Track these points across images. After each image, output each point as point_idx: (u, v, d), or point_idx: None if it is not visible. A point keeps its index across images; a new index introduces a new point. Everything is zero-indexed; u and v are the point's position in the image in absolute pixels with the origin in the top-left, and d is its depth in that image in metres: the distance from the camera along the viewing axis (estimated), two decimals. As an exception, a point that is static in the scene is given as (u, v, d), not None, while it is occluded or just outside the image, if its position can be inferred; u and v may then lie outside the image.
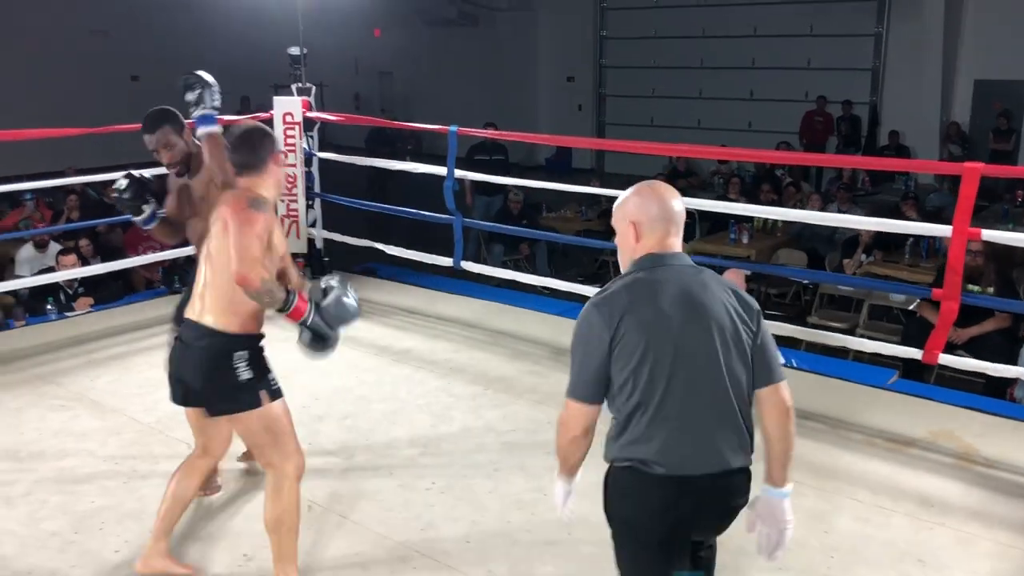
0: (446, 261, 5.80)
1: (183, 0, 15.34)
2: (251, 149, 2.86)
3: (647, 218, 2.19)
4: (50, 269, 6.40)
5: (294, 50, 6.50)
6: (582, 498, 2.35)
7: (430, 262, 5.91)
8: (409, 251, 5.97)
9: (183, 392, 2.90)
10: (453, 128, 5.43)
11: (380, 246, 6.08)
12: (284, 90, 6.56)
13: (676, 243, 2.21)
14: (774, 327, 4.74)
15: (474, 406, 4.42)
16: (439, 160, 5.77)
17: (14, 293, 6.17)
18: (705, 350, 2.09)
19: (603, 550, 2.32)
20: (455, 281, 6.65)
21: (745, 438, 2.14)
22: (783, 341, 4.93)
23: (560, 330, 5.45)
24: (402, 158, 9.62)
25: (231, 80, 16.27)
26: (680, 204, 2.22)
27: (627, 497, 2.14)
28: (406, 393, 4.60)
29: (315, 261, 6.62)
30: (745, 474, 2.15)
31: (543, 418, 4.25)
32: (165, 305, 5.91)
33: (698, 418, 2.08)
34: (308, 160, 6.35)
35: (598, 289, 2.24)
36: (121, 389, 4.63)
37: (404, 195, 7.03)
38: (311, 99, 6.42)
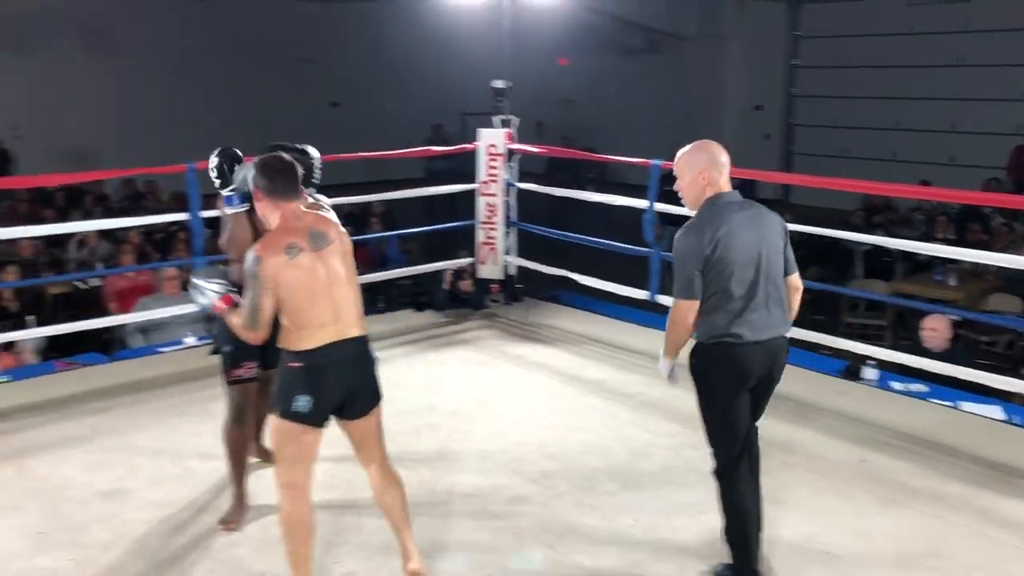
0: (641, 294, 5.79)
1: (383, 31, 16.20)
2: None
3: (715, 168, 3.08)
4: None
5: (498, 83, 6.71)
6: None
7: (624, 294, 5.92)
8: (603, 282, 6.00)
9: (361, 404, 3.05)
10: (656, 162, 5.43)
11: (574, 276, 6.14)
12: (473, 118, 6.79)
13: (728, 184, 3.10)
14: (984, 377, 4.49)
15: (673, 444, 4.37)
16: (622, 188, 5.80)
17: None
18: (766, 254, 3.03)
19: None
20: (638, 312, 6.62)
21: (786, 312, 3.14)
22: (995, 393, 4.64)
23: (758, 370, 5.32)
24: (583, 186, 9.72)
25: (425, 108, 16.99)
26: (727, 156, 3.13)
27: (720, 363, 3.06)
28: (599, 425, 4.61)
29: (508, 287, 6.78)
30: (787, 336, 3.16)
31: (745, 461, 4.15)
32: (378, 323, 6.27)
33: (766, 302, 3.04)
34: (507, 189, 6.52)
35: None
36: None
37: (585, 224, 7.09)
38: (514, 130, 6.59)
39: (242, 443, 3.65)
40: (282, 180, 2.95)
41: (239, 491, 3.65)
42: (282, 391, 2.92)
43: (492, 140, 6.40)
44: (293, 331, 2.90)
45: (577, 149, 5.96)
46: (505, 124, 6.59)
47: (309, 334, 2.88)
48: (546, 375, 5.34)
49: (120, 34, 14.48)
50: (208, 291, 3.06)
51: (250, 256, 2.88)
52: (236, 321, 2.97)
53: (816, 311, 8.44)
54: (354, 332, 2.97)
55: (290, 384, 2.91)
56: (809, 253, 8.85)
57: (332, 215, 3.12)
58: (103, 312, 6.82)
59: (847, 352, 5.28)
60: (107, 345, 6.58)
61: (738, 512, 3.15)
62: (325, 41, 16.17)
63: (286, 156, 3.07)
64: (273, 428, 3.00)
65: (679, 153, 3.15)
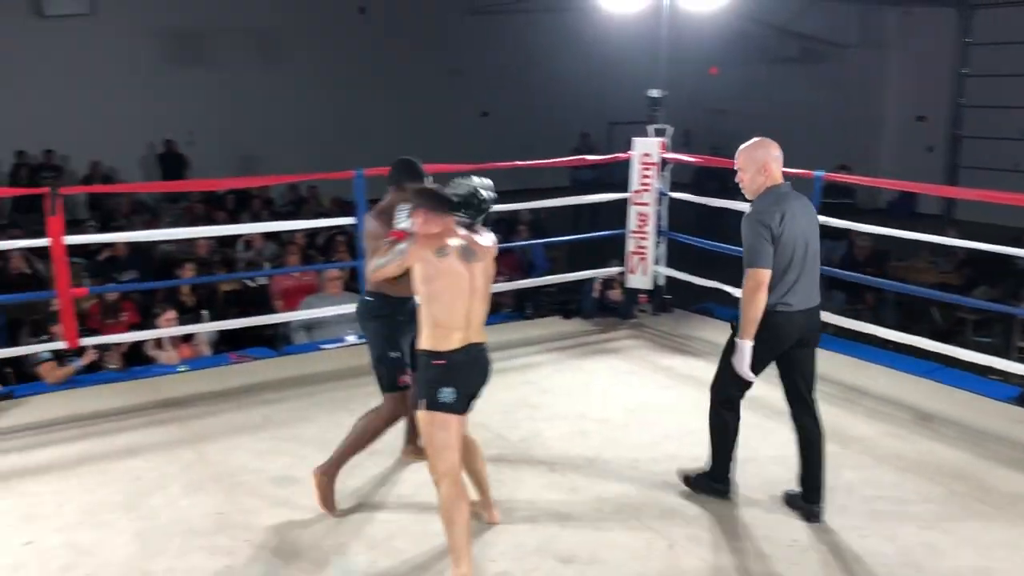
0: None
1: (531, 42, 16.42)
2: None
3: (774, 162, 3.63)
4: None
5: (654, 92, 6.69)
6: None
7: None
8: (758, 295, 5.87)
9: (475, 399, 3.34)
10: (819, 173, 5.29)
11: (727, 288, 6.04)
12: (619, 127, 6.79)
13: (782, 176, 3.66)
14: None
15: (833, 465, 4.19)
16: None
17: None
18: (813, 237, 3.66)
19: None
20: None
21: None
22: None
23: (922, 393, 5.11)
24: (732, 197, 9.52)
25: (572, 117, 17.10)
26: (780, 152, 3.66)
27: (768, 327, 3.59)
28: (758, 442, 4.51)
29: (657, 297, 6.74)
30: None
31: (910, 487, 3.99)
32: (525, 328, 6.38)
33: (811, 277, 3.65)
34: (660, 199, 6.49)
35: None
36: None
37: (733, 236, 6.94)
38: (667, 140, 6.56)
39: (373, 438, 3.82)
40: (438, 202, 3.26)
41: (336, 471, 3.79)
42: (428, 385, 3.20)
43: (646, 149, 6.38)
44: (431, 332, 3.19)
45: (730, 159, 5.85)
46: (659, 133, 6.56)
47: (445, 335, 3.18)
48: (697, 388, 5.25)
49: (287, 46, 15.29)
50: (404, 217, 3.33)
51: (405, 242, 3.25)
52: (381, 260, 3.31)
53: (985, 333, 8.00)
54: (479, 339, 3.27)
55: (435, 379, 3.19)
56: (977, 272, 8.38)
57: (489, 242, 3.34)
58: (270, 309, 7.22)
59: (1020, 377, 4.99)
60: (272, 340, 6.97)
61: (724, 432, 3.90)
62: (476, 52, 16.54)
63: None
64: (422, 421, 3.24)
65: (741, 148, 3.68)
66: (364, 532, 3.64)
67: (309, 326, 6.86)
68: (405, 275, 3.28)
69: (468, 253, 3.21)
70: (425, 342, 3.21)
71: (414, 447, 4.22)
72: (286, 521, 3.73)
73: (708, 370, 5.47)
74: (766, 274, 3.52)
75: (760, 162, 3.59)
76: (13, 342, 6.06)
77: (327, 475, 3.77)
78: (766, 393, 4.05)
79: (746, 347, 3.62)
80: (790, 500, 3.85)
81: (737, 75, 16.65)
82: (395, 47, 15.90)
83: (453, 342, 3.18)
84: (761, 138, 3.66)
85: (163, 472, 4.18)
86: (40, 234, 4.98)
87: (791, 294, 3.58)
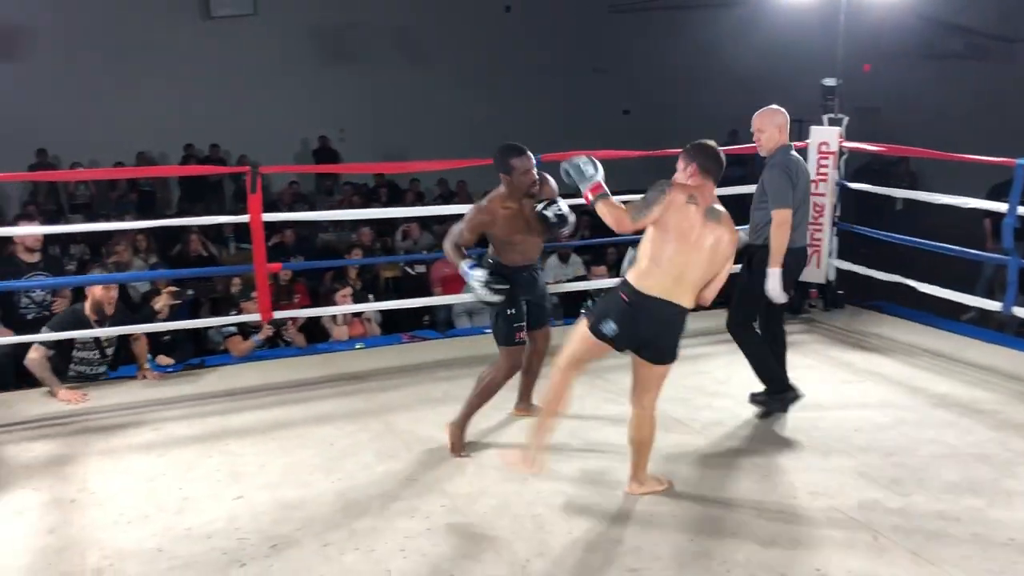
0: (993, 305, 5.35)
1: (672, 38, 16.24)
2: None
3: (787, 125, 4.48)
4: (582, 278, 7.10)
5: (829, 81, 6.50)
6: None
7: (972, 303, 5.50)
8: (945, 290, 5.61)
9: (654, 354, 3.53)
10: (1021, 160, 5.00)
11: (911, 282, 5.78)
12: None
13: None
14: None
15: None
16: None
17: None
18: (808, 189, 4.55)
19: None
20: (973, 327, 6.17)
21: None
22: None
23: None
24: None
25: (719, 114, 16.87)
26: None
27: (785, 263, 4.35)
28: (954, 439, 4.30)
29: (829, 292, 6.52)
30: None
31: None
32: (695, 319, 6.27)
33: (805, 221, 4.57)
34: (836, 190, 6.28)
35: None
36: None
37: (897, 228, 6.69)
38: (843, 130, 6.34)
39: (494, 391, 4.14)
40: (714, 164, 3.48)
41: (466, 423, 4.15)
42: (601, 310, 3.51)
43: (824, 138, 6.18)
44: (640, 267, 3.40)
45: (936, 152, 5.64)
46: (835, 123, 6.36)
47: (654, 280, 3.38)
48: (882, 384, 5.07)
49: (434, 45, 15.65)
50: (588, 171, 3.56)
51: (661, 182, 3.43)
52: (607, 208, 3.45)
53: None
54: (681, 300, 3.42)
55: (610, 309, 3.45)
56: None
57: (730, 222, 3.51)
58: (430, 295, 7.38)
59: None
60: (435, 325, 7.13)
61: (760, 353, 4.53)
62: (619, 49, 16.48)
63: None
64: (578, 329, 3.55)
65: (760, 112, 4.51)
66: (558, 503, 3.66)
67: (471, 311, 6.99)
68: (520, 245, 4.00)
69: (713, 212, 3.40)
70: (631, 274, 3.44)
71: (526, 404, 4.52)
72: (478, 490, 3.78)
73: (892, 367, 5.33)
74: (789, 212, 4.31)
75: (778, 124, 4.46)
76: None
77: (457, 426, 4.14)
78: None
79: (777, 273, 4.35)
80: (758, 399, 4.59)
81: (892, 73, 15.94)
82: (539, 45, 16.03)
83: (654, 288, 3.37)
84: (774, 106, 4.52)
85: (355, 439, 4.33)
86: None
87: (797, 235, 4.44)
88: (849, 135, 6.36)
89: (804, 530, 3.45)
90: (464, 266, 3.94)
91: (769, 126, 4.47)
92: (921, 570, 3.16)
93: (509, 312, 4.05)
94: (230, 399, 4.92)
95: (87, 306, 5.06)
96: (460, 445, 4.13)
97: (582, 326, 3.55)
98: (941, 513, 3.57)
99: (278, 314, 5.40)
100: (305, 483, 3.87)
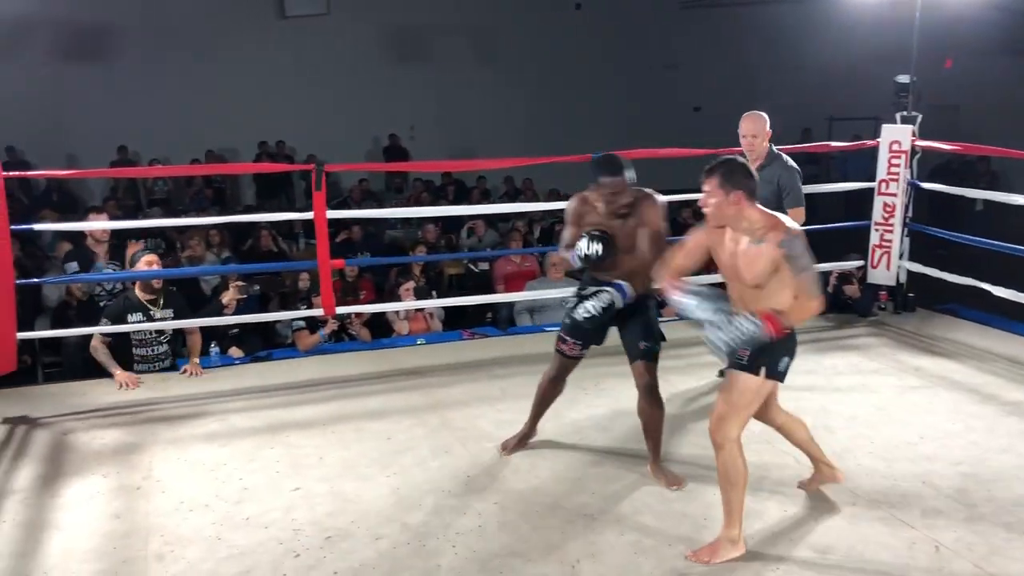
0: (1073, 309, 5.14)
1: (745, 35, 15.97)
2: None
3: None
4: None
5: (903, 78, 6.33)
6: None
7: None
8: (1021, 294, 5.39)
9: None
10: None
11: (984, 285, 5.58)
12: (839, 123, 6.45)
13: None
14: None
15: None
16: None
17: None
18: None
19: None
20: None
21: None
22: None
23: None
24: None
25: (791, 113, 16.55)
26: None
27: None
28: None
29: (899, 294, 6.34)
30: None
31: None
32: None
33: None
34: (907, 190, 6.11)
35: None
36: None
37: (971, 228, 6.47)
38: (916, 128, 6.16)
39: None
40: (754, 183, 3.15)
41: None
42: (774, 353, 3.12)
43: (896, 136, 6.02)
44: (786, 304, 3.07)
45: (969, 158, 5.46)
46: (907, 121, 6.17)
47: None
48: (953, 390, 4.91)
49: (504, 43, 15.70)
50: (746, 326, 3.06)
51: (798, 233, 3.05)
52: (812, 304, 3.09)
53: None
54: None
55: (784, 347, 3.15)
56: None
57: None
58: (493, 292, 7.41)
59: None
60: (497, 322, 7.16)
61: None
62: (691, 46, 16.29)
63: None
64: (750, 387, 3.15)
65: (751, 116, 4.62)
66: (610, 505, 3.64)
67: (532, 309, 6.99)
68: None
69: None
70: (787, 308, 3.09)
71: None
72: (532, 488, 3.79)
73: (964, 372, 5.16)
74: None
75: (769, 128, 4.61)
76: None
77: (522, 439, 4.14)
78: None
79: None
80: None
81: (971, 68, 15.40)
82: (610, 42, 15.95)
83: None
84: (756, 111, 4.65)
85: (412, 434, 4.38)
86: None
87: None
88: (926, 133, 6.17)
89: (863, 538, 3.37)
90: (568, 253, 3.77)
91: (763, 131, 4.59)
92: (984, 584, 3.06)
93: (571, 310, 3.87)
94: (292, 392, 5.03)
95: (137, 287, 5.24)
96: (671, 477, 3.81)
97: (753, 383, 3.16)
98: (1009, 526, 3.45)
99: (340, 309, 5.48)
100: (362, 476, 3.93)
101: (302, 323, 5.96)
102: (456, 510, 3.62)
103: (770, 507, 3.60)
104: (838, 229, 6.54)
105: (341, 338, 6.22)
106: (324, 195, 4.99)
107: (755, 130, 4.59)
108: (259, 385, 5.15)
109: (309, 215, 5.09)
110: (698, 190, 3.20)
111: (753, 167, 3.40)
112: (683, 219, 9.86)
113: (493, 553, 3.29)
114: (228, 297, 5.61)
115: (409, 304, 6.11)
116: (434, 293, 7.15)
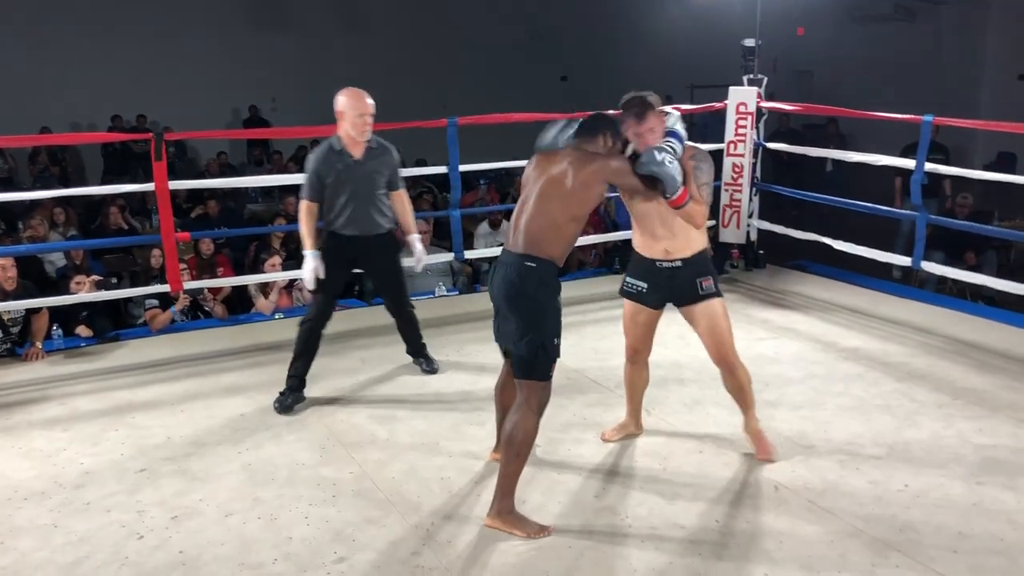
0: (904, 260, 5.46)
1: (612, 5, 16.18)
2: None
3: None
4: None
5: (749, 41, 6.53)
6: None
7: (885, 260, 5.60)
8: (862, 248, 5.70)
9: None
10: (928, 118, 5.08)
11: (828, 241, 5.87)
12: (700, 91, 6.65)
13: None
14: None
15: (942, 415, 4.09)
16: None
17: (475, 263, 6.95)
18: None
19: None
20: (885, 283, 6.30)
21: None
22: None
23: (1038, 346, 4.89)
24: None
25: (655, 80, 16.82)
26: None
27: None
28: (861, 391, 4.40)
29: (750, 252, 6.59)
30: None
31: (1030, 437, 3.83)
32: (608, 283, 6.31)
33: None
34: (755, 150, 6.33)
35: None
36: (580, 353, 4.96)
37: (812, 187, 6.81)
38: (762, 91, 6.38)
39: (532, 440, 3.16)
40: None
41: (512, 497, 3.18)
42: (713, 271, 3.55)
43: (742, 99, 6.22)
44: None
45: (847, 110, 5.68)
46: (754, 84, 6.39)
47: None
48: (797, 340, 5.15)
49: (368, 10, 15.38)
50: (675, 161, 3.19)
51: (706, 153, 3.38)
52: (702, 208, 3.29)
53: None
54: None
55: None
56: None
57: None
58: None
59: None
60: (362, 295, 7.05)
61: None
62: (556, 15, 16.38)
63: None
64: (723, 307, 3.55)
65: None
66: (466, 466, 3.65)
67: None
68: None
69: None
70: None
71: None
72: (389, 456, 3.77)
73: (808, 323, 5.42)
74: None
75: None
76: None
77: (504, 512, 3.16)
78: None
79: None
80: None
81: (826, 35, 16.09)
82: (476, 10, 15.84)
83: None
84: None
85: (266, 410, 4.27)
86: (132, 195, 5.11)
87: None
88: (785, 98, 6.40)
89: (707, 484, 3.50)
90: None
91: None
92: (816, 518, 3.22)
93: (556, 342, 3.14)
94: (141, 372, 4.82)
95: None
96: (529, 524, 3.15)
97: (721, 301, 3.52)
98: (842, 463, 3.65)
99: (189, 284, 5.28)
100: (212, 454, 3.81)
101: (155, 302, 5.72)
102: (310, 482, 3.55)
103: (629, 459, 3.69)
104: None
105: (197, 316, 6.01)
106: (164, 166, 4.77)
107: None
108: (106, 367, 4.92)
109: (148, 186, 4.86)
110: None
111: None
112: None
113: (347, 521, 3.25)
114: (83, 291, 5.31)
115: (258, 278, 5.91)
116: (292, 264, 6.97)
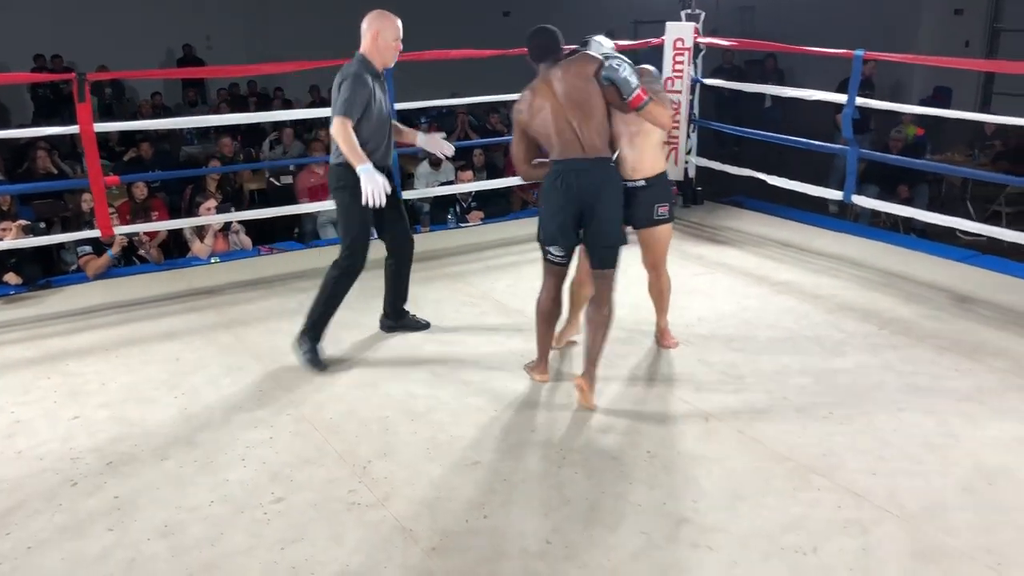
0: (835, 194, 5.56)
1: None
2: None
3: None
4: (450, 183, 7.03)
5: (685, -25, 6.48)
6: None
7: (817, 195, 5.70)
8: (793, 182, 5.79)
9: None
10: (859, 52, 5.13)
11: (762, 176, 5.94)
12: (644, 26, 6.59)
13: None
14: None
15: (869, 344, 4.22)
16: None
17: (414, 204, 6.91)
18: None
19: None
20: (821, 218, 6.42)
21: None
22: None
23: (961, 276, 5.05)
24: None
25: (597, 16, 16.60)
26: None
27: None
28: (792, 323, 4.51)
29: (688, 189, 6.65)
30: None
31: (949, 364, 3.97)
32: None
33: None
34: (692, 87, 6.34)
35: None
36: (519, 292, 4.99)
37: (752, 124, 6.87)
38: (699, 26, 6.37)
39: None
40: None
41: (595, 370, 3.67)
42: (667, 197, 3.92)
43: (679, 34, 6.20)
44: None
45: (788, 46, 5.68)
46: (692, 19, 6.37)
47: None
48: (731, 275, 5.25)
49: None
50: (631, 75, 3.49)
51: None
52: (660, 108, 3.58)
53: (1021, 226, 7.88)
54: None
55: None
56: (1013, 162, 8.18)
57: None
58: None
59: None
60: (300, 237, 6.98)
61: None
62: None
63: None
64: (670, 232, 4.01)
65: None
66: (407, 406, 3.69)
67: (336, 221, 6.84)
68: None
69: None
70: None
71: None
72: (327, 397, 3.78)
73: (743, 258, 5.51)
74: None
75: None
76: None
77: (587, 377, 3.63)
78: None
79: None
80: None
81: (768, -30, 16.06)
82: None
83: None
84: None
85: (203, 354, 4.25)
86: (62, 139, 4.97)
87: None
88: (728, 34, 6.39)
89: (640, 416, 3.58)
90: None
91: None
92: (743, 447, 3.33)
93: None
94: (75, 319, 4.74)
95: None
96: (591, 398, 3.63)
97: (670, 226, 3.95)
98: (769, 392, 3.76)
99: (120, 229, 5.17)
100: (147, 400, 3.79)
101: (88, 248, 5.58)
102: (247, 424, 3.56)
103: (565, 395, 3.76)
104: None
105: (132, 261, 5.89)
106: (89, 107, 4.62)
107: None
108: (37, 315, 4.83)
109: (73, 129, 4.71)
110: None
111: None
112: (491, 125, 9.89)
113: (284, 463, 3.27)
114: (10, 238, 5.16)
115: (194, 221, 5.81)
116: (233, 209, 6.85)
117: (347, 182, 3.92)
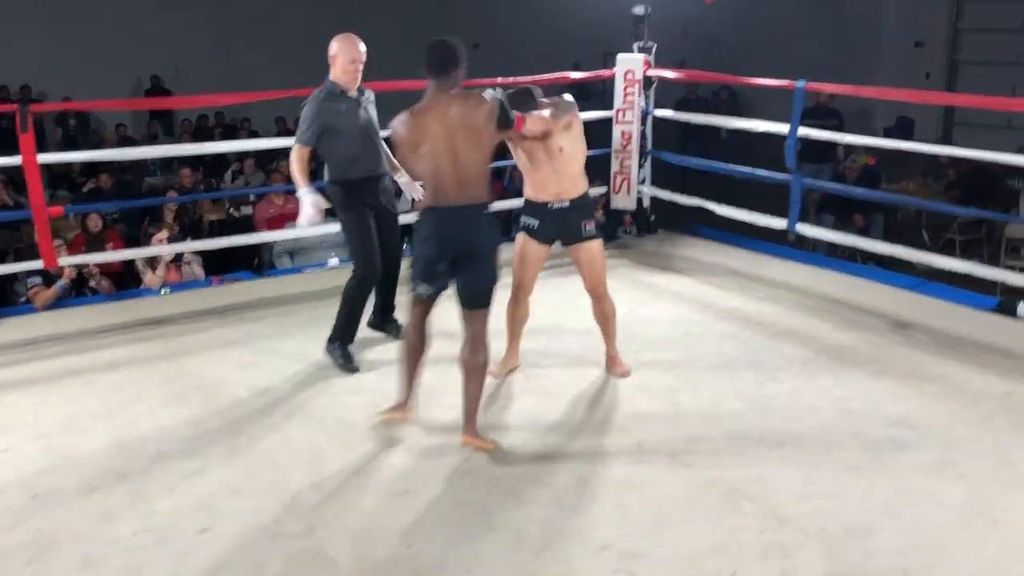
0: (780, 223, 5.64)
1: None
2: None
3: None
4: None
5: (638, 9, 6.58)
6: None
7: (763, 224, 5.77)
8: (740, 211, 5.86)
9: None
10: (800, 83, 5.23)
11: (711, 205, 6.02)
12: (613, 58, 6.65)
13: None
14: None
15: (805, 370, 4.27)
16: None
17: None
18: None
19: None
20: (779, 247, 6.48)
21: None
22: None
23: (902, 303, 5.13)
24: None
25: (566, 47, 16.81)
26: None
27: None
28: (732, 350, 4.55)
29: (642, 218, 6.71)
30: None
31: (883, 387, 4.03)
32: (507, 249, 6.35)
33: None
34: (644, 118, 6.43)
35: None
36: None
37: (714, 155, 6.96)
38: (651, 58, 6.47)
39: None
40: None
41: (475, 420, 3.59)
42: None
43: (629, 66, 6.30)
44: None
45: (735, 77, 5.80)
46: (643, 51, 6.47)
47: None
48: (678, 303, 5.29)
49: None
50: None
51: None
52: (534, 120, 3.75)
53: (973, 255, 8.01)
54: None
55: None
56: (966, 192, 8.33)
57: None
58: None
59: (1001, 287, 5.02)
60: (258, 268, 6.98)
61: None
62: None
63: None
64: (601, 249, 4.11)
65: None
66: (339, 433, 3.69)
67: (292, 251, 6.86)
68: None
69: None
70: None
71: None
72: (263, 426, 3.77)
73: (691, 286, 5.56)
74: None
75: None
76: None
77: (471, 432, 3.52)
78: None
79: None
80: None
81: (731, 3, 16.32)
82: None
83: None
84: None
85: (144, 384, 4.22)
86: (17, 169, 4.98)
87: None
88: (693, 64, 6.46)
89: (577, 441, 3.61)
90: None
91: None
92: (673, 473, 3.35)
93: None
94: (17, 350, 4.69)
95: None
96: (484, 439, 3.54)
97: (599, 242, 4.09)
98: (705, 418, 3.80)
99: (64, 260, 5.16)
100: (82, 431, 3.76)
101: (38, 279, 5.55)
102: (181, 455, 3.54)
103: (499, 414, 3.77)
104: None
105: (84, 293, 5.87)
106: (32, 138, 4.63)
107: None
108: (-22, 346, 4.79)
109: (15, 160, 4.71)
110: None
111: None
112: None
113: (213, 493, 3.25)
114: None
115: (148, 251, 5.80)
116: (190, 240, 6.85)
117: (337, 200, 4.29)
